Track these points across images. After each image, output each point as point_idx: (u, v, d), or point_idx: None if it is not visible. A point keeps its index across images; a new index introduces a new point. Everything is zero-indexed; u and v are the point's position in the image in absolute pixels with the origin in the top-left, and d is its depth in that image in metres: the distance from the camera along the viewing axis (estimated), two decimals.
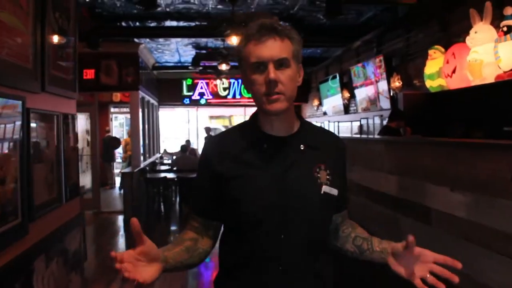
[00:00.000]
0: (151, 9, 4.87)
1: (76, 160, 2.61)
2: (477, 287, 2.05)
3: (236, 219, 1.32)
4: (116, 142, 11.81)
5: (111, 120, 13.36)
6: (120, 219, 8.57)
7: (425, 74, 5.94)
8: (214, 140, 1.42)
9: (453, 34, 5.64)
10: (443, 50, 5.64)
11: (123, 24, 7.01)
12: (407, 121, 5.62)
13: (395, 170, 3.00)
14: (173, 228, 8.21)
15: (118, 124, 14.77)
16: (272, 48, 1.24)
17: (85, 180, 9.77)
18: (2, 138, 1.64)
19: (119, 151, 13.13)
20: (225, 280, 1.38)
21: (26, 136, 1.82)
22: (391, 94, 7.39)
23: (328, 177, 1.33)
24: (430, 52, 5.84)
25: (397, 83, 7.15)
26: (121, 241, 7.46)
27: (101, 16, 6.46)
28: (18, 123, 1.76)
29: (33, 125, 1.92)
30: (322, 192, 1.31)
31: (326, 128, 10.87)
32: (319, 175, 1.32)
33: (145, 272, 1.16)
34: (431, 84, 5.82)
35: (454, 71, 5.29)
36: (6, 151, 1.66)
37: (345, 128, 10.08)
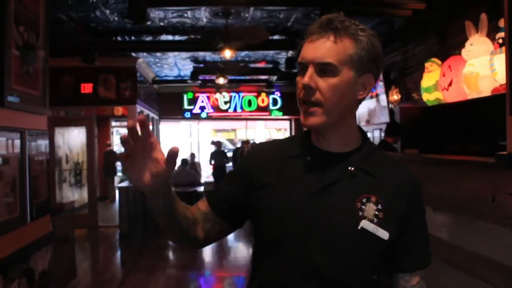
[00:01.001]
0: (142, 24, 4.83)
1: (47, 177, 2.53)
2: None
3: (257, 234, 1.18)
4: (114, 156, 11.79)
5: (112, 134, 13.35)
6: (117, 232, 8.50)
7: (422, 87, 5.86)
8: (259, 146, 1.30)
9: (450, 47, 5.56)
10: (439, 62, 5.56)
11: (119, 38, 7.00)
12: (403, 135, 5.51)
13: None
14: (170, 243, 8.12)
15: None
16: (318, 48, 1.05)
17: (85, 194, 9.72)
18: None
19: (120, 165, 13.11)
20: None
21: None
22: (390, 107, 7.30)
23: (377, 213, 1.06)
24: (427, 65, 5.76)
25: (395, 96, 7.07)
26: (117, 255, 7.39)
27: (96, 30, 6.45)
28: None
29: None
30: (359, 228, 1.05)
31: None
32: (364, 206, 1.07)
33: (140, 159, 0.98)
34: (428, 97, 5.73)
35: (450, 84, 5.20)
36: None
37: None
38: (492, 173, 1.70)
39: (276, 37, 7.08)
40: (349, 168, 1.10)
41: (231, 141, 17.09)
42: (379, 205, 1.07)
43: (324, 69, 1.04)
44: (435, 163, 2.45)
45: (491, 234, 1.73)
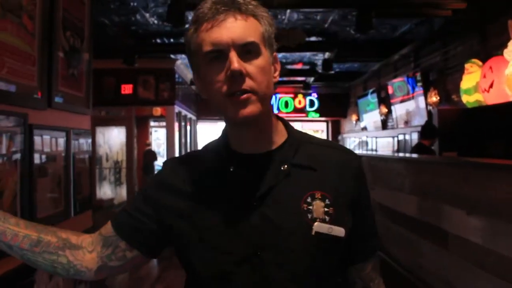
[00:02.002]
0: (181, 27, 4.95)
1: (89, 174, 2.66)
2: None
3: (189, 272, 1.03)
4: (152, 155, 12.07)
5: (151, 133, 13.65)
6: None
7: (461, 89, 5.76)
8: (171, 163, 1.09)
9: (492, 47, 5.44)
10: (480, 63, 5.46)
11: (158, 40, 7.18)
12: (440, 137, 5.42)
13: (415, 190, 2.88)
14: None
15: (161, 137, 15.10)
16: (233, 28, 0.90)
17: (124, 191, 10.01)
18: (3, 153, 1.69)
19: (158, 164, 13.40)
20: None
21: (27, 151, 1.86)
22: (428, 109, 7.19)
23: (326, 209, 0.94)
24: (467, 66, 5.67)
25: (434, 98, 6.97)
26: None
27: (136, 33, 6.64)
28: (20, 138, 1.81)
29: (38, 140, 1.97)
30: (313, 233, 0.92)
31: (367, 144, 10.68)
32: (311, 207, 0.93)
33: None
34: (468, 99, 5.63)
35: (491, 86, 5.09)
36: (5, 165, 1.70)
37: (384, 143, 9.87)
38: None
39: (313, 38, 7.09)
40: (282, 167, 0.96)
41: None
42: (327, 200, 0.94)
43: (248, 49, 0.91)
44: (474, 166, 2.42)
45: None
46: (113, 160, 10.48)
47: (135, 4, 5.34)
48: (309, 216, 0.93)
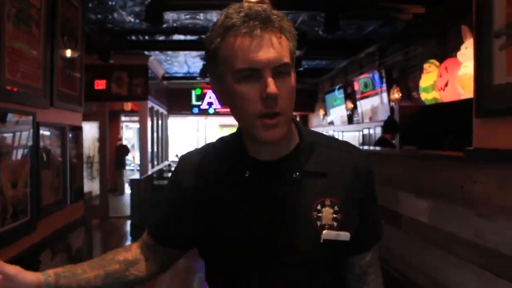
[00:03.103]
0: (157, 26, 5.17)
1: (80, 167, 2.89)
2: None
3: (208, 269, 1.09)
4: (124, 150, 12.19)
5: (122, 128, 13.73)
6: (128, 223, 8.87)
7: (420, 87, 6.17)
8: (185, 158, 1.11)
9: (449, 49, 5.86)
10: (437, 64, 5.87)
11: (133, 38, 7.34)
12: (401, 132, 5.84)
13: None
14: None
15: (133, 132, 15.18)
16: (270, 49, 0.87)
17: (95, 186, 10.12)
18: (17, 147, 1.93)
19: (129, 159, 13.51)
20: None
21: (35, 146, 2.10)
22: (391, 105, 7.62)
23: (334, 215, 0.96)
24: (425, 66, 6.07)
25: (396, 95, 7.37)
26: (129, 243, 7.75)
27: (112, 31, 6.79)
28: (30, 135, 2.04)
29: (43, 135, 2.21)
30: (321, 241, 0.95)
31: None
32: (320, 214, 0.96)
33: None
34: (426, 96, 6.05)
35: (446, 85, 5.51)
36: (18, 158, 1.94)
37: (350, 137, 10.29)
38: (462, 165, 2.04)
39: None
40: (294, 175, 0.97)
41: None
42: (335, 206, 0.97)
43: (281, 71, 0.90)
44: (422, 157, 2.77)
45: (462, 217, 2.06)
46: (85, 155, 10.56)
47: (113, 3, 5.52)
48: (318, 223, 0.95)
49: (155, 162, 10.25)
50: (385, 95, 7.90)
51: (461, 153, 1.99)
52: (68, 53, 2.56)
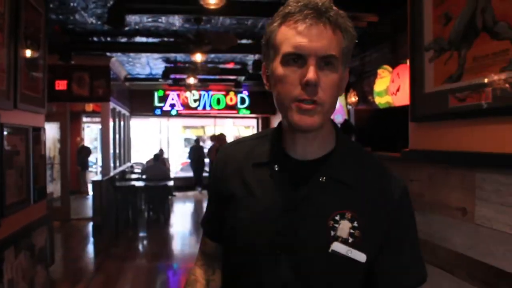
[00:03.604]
0: (120, 29, 5.23)
1: (43, 167, 2.97)
2: None
3: (225, 252, 1.08)
4: (86, 151, 12.08)
5: (83, 129, 13.56)
6: (90, 225, 8.83)
7: (374, 91, 6.47)
8: (226, 150, 1.14)
9: (400, 56, 6.18)
10: (390, 69, 6.18)
11: (95, 39, 7.35)
12: (357, 134, 6.12)
13: None
14: (141, 234, 8.51)
15: (93, 132, 15.00)
16: (319, 38, 0.88)
17: (56, 188, 9.98)
18: None
19: (92, 160, 13.37)
20: None
21: (0, 145, 2.18)
22: (348, 108, 7.92)
23: (352, 231, 0.93)
24: (379, 71, 6.38)
25: (353, 98, 7.67)
26: (89, 246, 7.74)
27: (73, 31, 6.79)
28: None
29: (7, 136, 2.29)
30: (329, 251, 0.92)
31: None
32: (336, 225, 0.93)
33: None
34: (380, 100, 6.35)
35: (398, 90, 5.82)
36: None
37: None
38: (400, 165, 2.25)
39: (244, 41, 7.56)
40: (321, 178, 0.96)
41: (200, 137, 17.66)
42: (355, 222, 0.93)
43: (328, 61, 0.90)
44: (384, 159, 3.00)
45: None
46: (46, 157, 10.42)
47: (75, 4, 5.54)
48: (332, 233, 0.92)
49: (117, 164, 10.21)
50: (341, 98, 8.20)
51: (399, 154, 2.20)
52: (31, 56, 2.64)
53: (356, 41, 0.99)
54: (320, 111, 0.91)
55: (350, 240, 0.92)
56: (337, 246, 0.91)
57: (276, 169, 0.99)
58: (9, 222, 2.28)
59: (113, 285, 5.35)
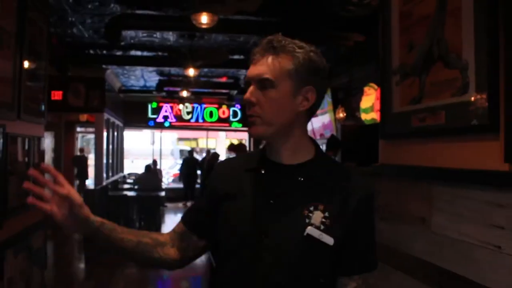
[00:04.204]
0: (116, 43, 5.45)
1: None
2: None
3: (218, 244, 1.25)
4: (84, 160, 12.17)
5: (77, 139, 13.70)
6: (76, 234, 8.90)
7: (361, 108, 6.71)
8: (222, 162, 1.43)
9: None
10: (376, 87, 6.43)
11: (91, 51, 7.56)
12: (343, 149, 6.34)
13: None
14: None
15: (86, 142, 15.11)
16: (258, 67, 1.13)
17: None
18: None
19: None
20: None
21: (4, 154, 2.37)
22: (336, 124, 8.15)
23: (324, 220, 1.13)
24: (365, 89, 6.63)
25: (341, 114, 7.91)
26: (81, 252, 7.84)
27: (70, 44, 7.00)
28: (0, 144, 2.32)
29: (11, 144, 2.48)
30: (304, 234, 1.11)
31: None
32: (311, 214, 1.13)
33: (60, 208, 1.13)
34: (366, 117, 6.60)
35: None
36: None
37: None
38: (370, 178, 2.46)
39: (236, 56, 7.81)
40: (299, 178, 1.16)
41: (194, 149, 17.84)
42: (326, 213, 1.12)
43: (263, 84, 1.12)
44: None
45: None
46: None
47: (73, 19, 5.76)
48: (307, 220, 1.12)
49: (110, 174, 10.36)
50: (331, 114, 8.43)
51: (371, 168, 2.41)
52: (34, 69, 2.84)
53: (325, 66, 1.23)
54: (260, 122, 1.14)
55: (322, 227, 1.12)
56: (311, 231, 1.11)
57: (263, 171, 1.21)
58: (10, 224, 2.45)
59: None
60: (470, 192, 1.62)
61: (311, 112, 1.22)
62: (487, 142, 1.54)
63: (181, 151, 17.48)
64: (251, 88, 1.14)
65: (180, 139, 19.62)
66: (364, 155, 6.46)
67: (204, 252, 1.34)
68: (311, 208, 1.13)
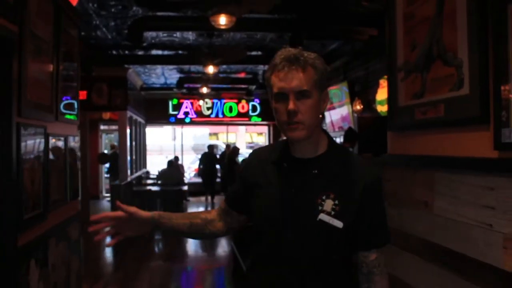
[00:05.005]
0: (138, 44, 5.70)
1: (76, 171, 3.41)
2: None
3: (254, 223, 1.49)
4: (102, 157, 12.43)
5: (101, 137, 14.07)
6: (106, 228, 9.23)
7: (376, 100, 6.84)
8: (254, 151, 1.64)
9: None
10: None
11: (114, 52, 7.85)
12: (360, 141, 6.49)
13: None
14: (156, 237, 8.92)
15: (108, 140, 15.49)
16: (293, 79, 1.31)
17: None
18: (34, 153, 2.45)
19: (106, 166, 13.79)
20: (248, 272, 1.54)
21: (46, 152, 2.63)
22: (354, 116, 8.28)
23: (334, 207, 1.34)
24: (381, 81, 6.74)
25: (358, 106, 8.04)
26: (103, 247, 8.17)
27: (94, 46, 7.29)
28: (42, 143, 2.57)
29: (51, 143, 2.73)
30: (317, 219, 1.33)
31: None
32: (323, 202, 1.34)
33: (126, 226, 1.46)
34: (381, 109, 6.71)
35: None
36: (35, 162, 2.46)
37: None
38: (380, 167, 2.64)
39: (254, 53, 8.01)
40: (314, 171, 1.37)
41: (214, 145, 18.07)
42: (336, 201, 1.34)
43: (302, 95, 1.31)
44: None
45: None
46: None
47: (97, 22, 6.04)
48: (320, 208, 1.34)
49: (134, 170, 10.69)
50: (348, 107, 8.55)
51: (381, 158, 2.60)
52: (68, 74, 3.10)
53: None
54: (302, 128, 1.34)
55: (332, 213, 1.34)
56: (323, 217, 1.34)
57: (285, 165, 1.43)
58: (52, 215, 2.72)
59: (131, 282, 5.74)
60: (465, 177, 1.80)
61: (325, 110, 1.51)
62: (479, 132, 1.72)
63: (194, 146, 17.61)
64: (292, 98, 1.32)
65: (212, 133, 19.75)
66: (380, 146, 6.61)
67: (246, 222, 1.61)
68: (324, 197, 1.35)
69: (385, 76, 6.64)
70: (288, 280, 1.37)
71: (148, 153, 14.20)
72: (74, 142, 3.34)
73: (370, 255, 1.41)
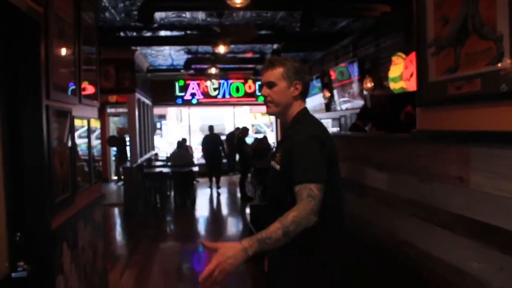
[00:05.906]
0: (150, 26, 5.64)
1: (98, 153, 3.41)
2: (398, 242, 2.86)
3: None
4: (124, 141, 12.42)
5: (108, 120, 14.07)
6: (117, 210, 9.37)
7: (389, 77, 6.78)
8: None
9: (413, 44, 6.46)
10: (404, 56, 6.47)
11: (121, 34, 7.78)
12: (374, 119, 6.45)
13: (347, 158, 3.83)
14: (168, 218, 9.01)
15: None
16: (266, 75, 2.06)
17: None
18: (61, 135, 2.44)
19: (113, 149, 13.83)
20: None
21: (72, 135, 2.62)
22: (364, 94, 8.23)
23: (279, 157, 2.04)
24: (393, 58, 6.68)
25: (369, 84, 7.98)
26: (124, 227, 8.29)
27: (102, 28, 7.22)
28: (68, 126, 2.56)
29: (75, 126, 2.73)
30: (276, 168, 2.06)
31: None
32: (277, 155, 2.08)
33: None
34: (394, 86, 6.67)
35: (412, 76, 6.13)
36: (62, 144, 2.46)
37: (328, 124, 10.88)
38: (409, 143, 2.63)
39: (263, 32, 7.93)
40: (283, 136, 2.13)
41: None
42: (279, 155, 2.04)
43: (270, 84, 2.05)
44: (378, 139, 3.38)
45: (410, 183, 2.65)
46: None
47: (106, 4, 5.97)
48: (275, 159, 2.08)
49: (143, 152, 10.71)
50: (358, 84, 8.50)
51: (409, 134, 2.58)
52: (89, 59, 3.07)
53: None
54: (271, 106, 2.08)
55: (277, 160, 2.05)
56: (273, 164, 2.10)
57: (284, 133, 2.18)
58: (79, 198, 2.73)
59: (149, 264, 5.81)
60: (504, 151, 1.79)
61: (304, 94, 2.13)
62: None
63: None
64: (264, 87, 2.08)
65: (253, 112, 19.49)
66: (394, 123, 6.59)
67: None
68: (279, 153, 2.06)
69: (398, 53, 6.63)
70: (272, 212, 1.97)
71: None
72: (96, 126, 3.34)
73: (295, 188, 1.84)
